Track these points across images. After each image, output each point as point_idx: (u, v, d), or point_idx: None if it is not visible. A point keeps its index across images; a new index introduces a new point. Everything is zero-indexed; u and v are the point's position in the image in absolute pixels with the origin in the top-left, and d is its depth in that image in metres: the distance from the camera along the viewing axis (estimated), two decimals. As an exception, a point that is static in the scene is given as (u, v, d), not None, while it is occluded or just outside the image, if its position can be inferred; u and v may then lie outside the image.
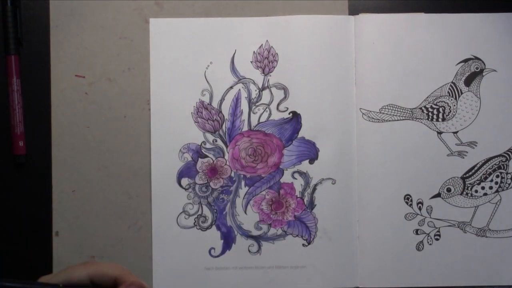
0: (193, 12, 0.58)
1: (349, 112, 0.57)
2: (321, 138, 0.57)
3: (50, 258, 0.57)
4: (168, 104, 0.57)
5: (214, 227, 0.57)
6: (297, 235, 0.57)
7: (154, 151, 0.57)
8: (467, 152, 0.57)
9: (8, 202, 0.57)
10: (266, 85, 0.57)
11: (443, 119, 0.57)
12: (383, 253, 0.57)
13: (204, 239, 0.57)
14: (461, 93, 0.57)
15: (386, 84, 0.57)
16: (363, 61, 0.57)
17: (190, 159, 0.57)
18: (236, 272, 0.57)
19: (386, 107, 0.57)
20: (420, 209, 0.57)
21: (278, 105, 0.57)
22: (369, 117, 0.57)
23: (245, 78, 0.57)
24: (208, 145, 0.57)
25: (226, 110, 0.57)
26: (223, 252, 0.57)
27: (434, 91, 0.57)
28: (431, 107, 0.57)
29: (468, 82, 0.57)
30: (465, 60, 0.57)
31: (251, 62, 0.57)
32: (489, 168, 0.57)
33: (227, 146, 0.57)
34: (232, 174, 0.57)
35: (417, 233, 0.57)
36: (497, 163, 0.57)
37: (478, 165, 0.57)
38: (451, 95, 0.57)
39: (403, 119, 0.57)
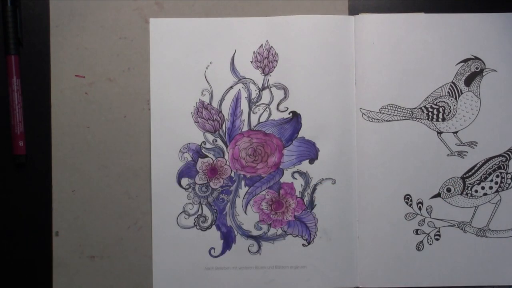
0: (193, 12, 0.58)
1: (349, 112, 0.57)
2: (321, 138, 0.57)
3: (50, 258, 0.57)
4: (168, 104, 0.57)
5: (214, 227, 0.57)
6: (297, 235, 0.57)
7: (154, 151, 0.57)
8: (467, 152, 0.57)
9: (8, 202, 0.57)
10: (266, 85, 0.57)
11: (443, 119, 0.57)
12: (383, 253, 0.57)
13: (204, 239, 0.57)
14: (461, 93, 0.57)
15: (386, 84, 0.57)
16: (363, 61, 0.57)
17: (190, 159, 0.57)
18: (236, 272, 0.57)
19: (386, 107, 0.57)
20: (420, 209, 0.57)
21: (278, 105, 0.57)
22: (369, 117, 0.57)
23: (245, 78, 0.57)
24: (208, 145, 0.57)
25: (226, 110, 0.57)
26: (223, 252, 0.57)
27: (434, 91, 0.57)
28: (431, 107, 0.57)
29: (468, 82, 0.57)
30: (465, 60, 0.57)
31: (251, 62, 0.57)
32: (489, 168, 0.57)
33: (227, 146, 0.57)
34: (232, 174, 0.57)
35: (417, 233, 0.57)
36: (497, 163, 0.57)
37: (478, 165, 0.57)
38: (451, 95, 0.58)
39: (403, 119, 0.57)
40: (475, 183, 0.57)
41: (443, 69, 0.57)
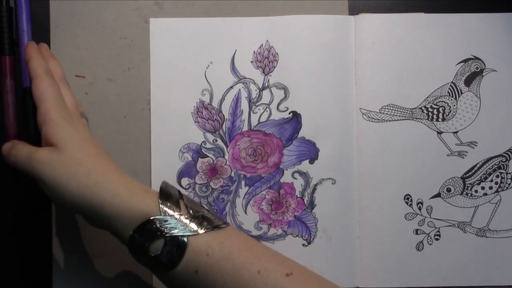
0: (193, 12, 0.58)
1: (349, 112, 0.57)
2: (321, 138, 0.57)
3: (50, 258, 0.57)
4: (168, 104, 0.57)
5: (214, 227, 0.57)
6: (297, 235, 0.57)
7: (154, 151, 0.57)
8: (467, 152, 0.57)
9: (8, 202, 0.57)
10: (266, 85, 0.57)
11: (443, 119, 0.57)
12: (383, 253, 0.57)
13: (204, 239, 0.57)
14: (461, 93, 0.57)
15: (386, 84, 0.57)
16: (363, 61, 0.57)
17: (190, 159, 0.57)
18: (236, 272, 0.57)
19: (386, 107, 0.57)
20: (420, 209, 0.57)
21: (278, 105, 0.57)
22: (369, 117, 0.57)
23: (245, 78, 0.57)
24: (208, 145, 0.57)
25: (226, 110, 0.57)
26: (223, 252, 0.57)
27: (434, 91, 0.57)
28: (431, 107, 0.57)
29: (468, 82, 0.57)
30: (465, 60, 0.57)
31: (251, 62, 0.57)
32: (489, 168, 0.57)
33: (227, 146, 0.57)
34: (232, 174, 0.57)
35: (417, 233, 0.57)
36: (497, 163, 0.57)
37: (478, 165, 0.57)
38: (451, 95, 0.58)
39: (403, 119, 0.57)
40: (475, 183, 0.57)
41: (443, 69, 0.57)
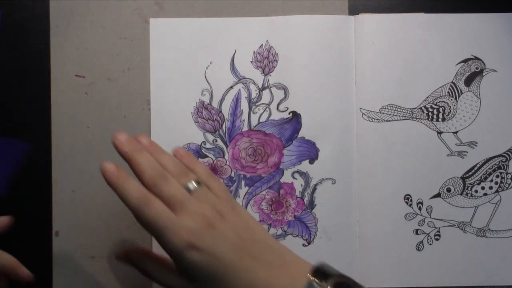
0: (193, 12, 0.58)
1: (349, 112, 0.57)
2: (321, 138, 0.57)
3: (50, 258, 0.57)
4: (168, 104, 0.57)
5: (214, 227, 0.57)
6: (297, 235, 0.57)
7: (154, 151, 0.57)
8: (467, 152, 0.57)
9: (8, 202, 0.57)
10: (266, 85, 0.57)
11: (443, 119, 0.57)
12: (383, 253, 0.57)
13: (204, 239, 0.57)
14: (461, 93, 0.57)
15: (386, 84, 0.57)
16: (363, 61, 0.57)
17: (190, 159, 0.57)
18: (236, 272, 0.57)
19: (386, 107, 0.57)
20: (420, 209, 0.57)
21: (278, 105, 0.57)
22: (369, 117, 0.57)
23: (245, 78, 0.57)
24: (208, 145, 0.57)
25: (226, 110, 0.57)
26: (223, 252, 0.57)
27: (434, 91, 0.57)
28: (431, 107, 0.57)
29: (468, 82, 0.57)
30: (465, 60, 0.57)
31: (251, 62, 0.57)
32: (489, 168, 0.57)
33: (227, 146, 0.57)
34: (232, 174, 0.57)
35: (417, 233, 0.57)
36: (497, 163, 0.57)
37: (478, 165, 0.57)
38: (451, 95, 0.58)
39: (403, 119, 0.57)
40: (475, 183, 0.57)
41: (443, 69, 0.57)
